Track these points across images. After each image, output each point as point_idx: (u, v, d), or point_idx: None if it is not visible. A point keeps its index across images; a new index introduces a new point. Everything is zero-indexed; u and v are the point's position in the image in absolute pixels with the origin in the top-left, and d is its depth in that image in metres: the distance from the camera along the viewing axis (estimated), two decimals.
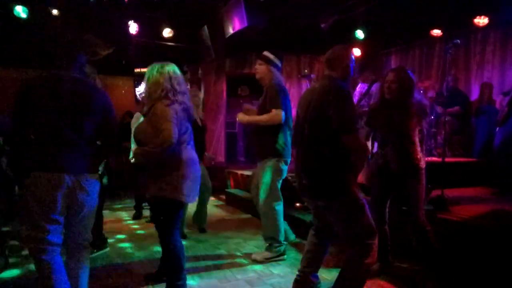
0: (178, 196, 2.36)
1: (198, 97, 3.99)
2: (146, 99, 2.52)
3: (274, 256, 3.28)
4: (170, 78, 2.51)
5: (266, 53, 3.38)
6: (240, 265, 3.19)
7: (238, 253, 3.50)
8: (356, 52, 6.71)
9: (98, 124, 2.20)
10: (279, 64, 3.40)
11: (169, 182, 2.34)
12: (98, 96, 2.22)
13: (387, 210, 2.87)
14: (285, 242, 3.36)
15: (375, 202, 2.85)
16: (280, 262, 3.24)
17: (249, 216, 5.08)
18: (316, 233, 2.53)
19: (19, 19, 5.36)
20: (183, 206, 2.51)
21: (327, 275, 2.90)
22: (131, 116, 5.18)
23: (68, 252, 2.21)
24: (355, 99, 5.18)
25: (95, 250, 3.35)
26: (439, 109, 5.02)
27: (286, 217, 3.46)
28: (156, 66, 2.53)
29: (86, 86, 2.20)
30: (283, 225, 3.37)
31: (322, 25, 5.72)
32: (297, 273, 2.52)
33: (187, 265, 3.16)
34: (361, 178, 3.65)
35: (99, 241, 3.44)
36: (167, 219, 2.42)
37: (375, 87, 4.99)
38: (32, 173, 2.02)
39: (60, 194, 2.04)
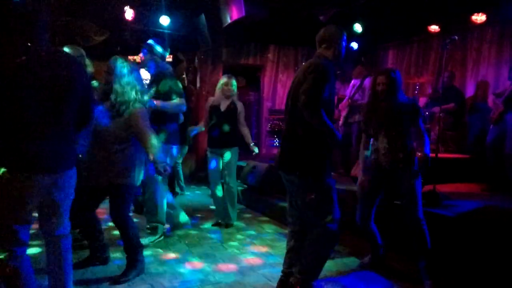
0: (136, 182, 2.69)
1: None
2: (118, 98, 2.55)
3: (157, 237, 3.48)
4: (138, 78, 2.61)
5: (150, 41, 3.50)
6: (233, 254, 3.20)
7: (231, 243, 3.51)
8: (354, 46, 6.69)
9: (78, 106, 1.92)
10: (163, 52, 3.54)
11: (131, 171, 2.61)
12: (79, 69, 1.94)
13: (374, 208, 2.86)
14: (167, 225, 3.67)
15: (364, 198, 2.85)
16: (272, 253, 3.25)
17: (242, 206, 5.09)
18: (292, 232, 2.50)
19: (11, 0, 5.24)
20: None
21: None
22: None
23: (46, 245, 2.03)
24: (348, 93, 5.21)
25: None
26: (435, 107, 5.05)
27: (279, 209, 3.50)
28: (124, 63, 2.57)
29: (64, 58, 1.90)
30: (165, 208, 3.57)
31: (321, 17, 5.69)
32: (281, 273, 2.51)
33: (180, 253, 3.18)
34: (359, 173, 3.66)
35: None
36: (128, 202, 2.74)
37: (367, 81, 5.02)
38: (3, 172, 1.72)
39: (31, 196, 1.80)
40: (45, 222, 2.00)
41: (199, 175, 6.61)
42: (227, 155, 3.95)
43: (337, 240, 2.33)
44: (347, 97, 5.17)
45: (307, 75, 2.16)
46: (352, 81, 5.29)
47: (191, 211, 4.70)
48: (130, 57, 7.95)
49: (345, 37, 2.37)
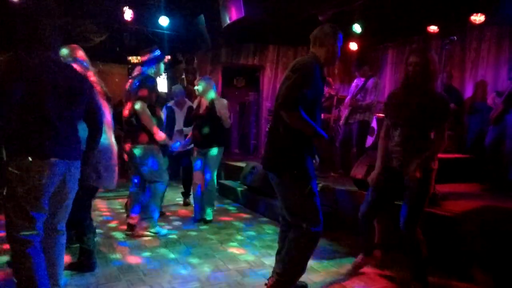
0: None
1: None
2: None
3: (149, 231, 3.64)
4: None
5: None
6: (232, 255, 3.20)
7: (230, 243, 3.52)
8: (353, 46, 6.69)
9: (86, 107, 2.19)
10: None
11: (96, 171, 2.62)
12: (84, 78, 2.26)
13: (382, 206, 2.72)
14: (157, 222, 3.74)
15: (374, 201, 2.66)
16: (272, 253, 3.25)
17: (241, 207, 5.09)
18: (282, 231, 2.47)
19: (11, 2, 5.23)
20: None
21: (318, 267, 2.93)
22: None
23: (45, 238, 2.10)
24: (351, 93, 5.20)
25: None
26: None
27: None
28: None
29: (73, 69, 2.19)
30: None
31: (320, 18, 5.69)
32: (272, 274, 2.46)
33: (180, 254, 3.18)
34: (359, 173, 3.66)
35: None
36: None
37: (371, 82, 5.01)
38: (25, 159, 1.89)
39: (53, 182, 1.98)
40: (49, 214, 2.09)
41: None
42: (210, 153, 4.15)
43: (315, 244, 2.24)
44: (349, 96, 5.16)
45: (290, 74, 2.12)
46: (355, 81, 5.27)
47: (190, 212, 4.71)
48: (133, 58, 7.95)
49: (340, 37, 2.30)
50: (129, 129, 3.52)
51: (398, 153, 2.50)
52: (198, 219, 4.23)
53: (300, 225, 2.21)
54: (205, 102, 4.13)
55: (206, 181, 4.19)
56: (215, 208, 4.35)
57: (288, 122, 2.12)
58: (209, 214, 4.19)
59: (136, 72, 3.72)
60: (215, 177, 4.22)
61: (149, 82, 3.47)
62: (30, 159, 1.89)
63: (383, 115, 5.80)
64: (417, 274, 2.51)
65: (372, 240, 2.87)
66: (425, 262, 2.49)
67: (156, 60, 3.61)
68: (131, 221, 3.73)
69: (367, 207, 2.72)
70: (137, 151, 3.47)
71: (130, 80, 3.63)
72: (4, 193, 1.95)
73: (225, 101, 4.18)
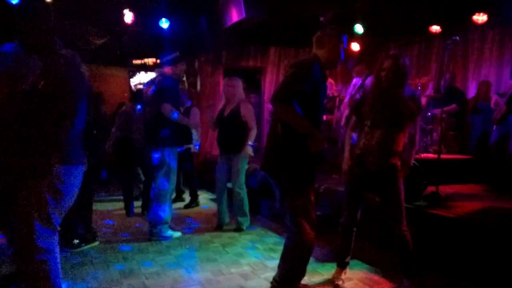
0: None
1: None
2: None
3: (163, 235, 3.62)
4: None
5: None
6: (234, 258, 3.18)
7: (232, 247, 3.49)
8: (355, 46, 6.67)
9: None
10: None
11: None
12: None
13: (359, 211, 2.61)
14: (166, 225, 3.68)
15: (347, 201, 2.62)
16: (275, 256, 3.22)
17: None
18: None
19: (10, 4, 5.23)
20: None
21: (321, 270, 2.90)
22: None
23: None
24: (349, 93, 5.17)
25: (83, 244, 3.32)
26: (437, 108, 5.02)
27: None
28: None
29: None
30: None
31: (321, 19, 5.67)
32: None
33: (182, 258, 3.16)
34: None
35: (89, 234, 3.41)
36: None
37: (369, 81, 4.98)
38: (60, 167, 1.84)
39: (78, 188, 1.99)
40: None
41: (200, 179, 6.58)
42: (234, 159, 3.95)
43: (309, 251, 2.22)
44: (348, 97, 5.14)
45: (287, 70, 2.14)
46: (354, 80, 5.26)
47: (193, 215, 4.69)
48: (144, 60, 7.92)
49: (344, 39, 2.28)
50: (150, 131, 3.57)
51: (374, 152, 2.41)
52: (222, 224, 4.07)
53: (294, 229, 2.19)
54: (230, 105, 3.98)
55: (232, 190, 4.03)
56: (248, 218, 4.03)
57: (282, 116, 2.10)
58: (240, 223, 3.97)
59: (155, 74, 3.77)
60: (240, 184, 3.95)
61: (169, 83, 3.53)
62: (65, 166, 1.87)
63: None
64: (405, 268, 2.49)
65: (348, 251, 2.69)
66: (411, 256, 2.48)
67: (172, 61, 3.62)
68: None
69: (347, 215, 2.62)
70: (156, 152, 3.53)
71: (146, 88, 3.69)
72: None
73: (250, 106, 4.04)
